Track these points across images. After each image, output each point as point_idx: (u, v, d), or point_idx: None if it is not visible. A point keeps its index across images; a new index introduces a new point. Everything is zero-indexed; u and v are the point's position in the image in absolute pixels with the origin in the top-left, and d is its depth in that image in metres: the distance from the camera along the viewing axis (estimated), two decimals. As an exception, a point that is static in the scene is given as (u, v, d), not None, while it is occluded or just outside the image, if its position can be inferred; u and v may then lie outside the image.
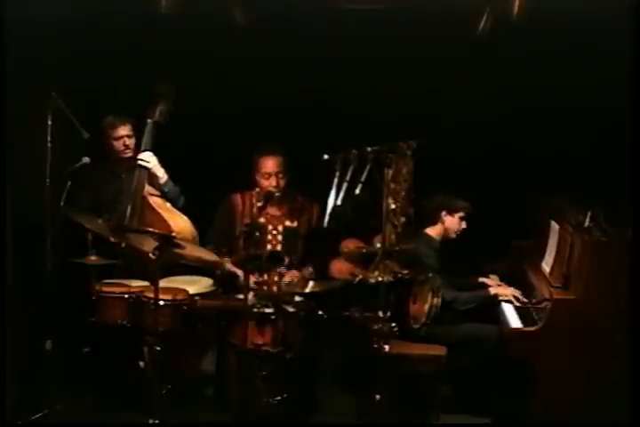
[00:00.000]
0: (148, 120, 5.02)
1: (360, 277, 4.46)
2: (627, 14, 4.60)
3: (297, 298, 4.70)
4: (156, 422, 4.40)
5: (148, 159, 5.02)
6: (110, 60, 5.50)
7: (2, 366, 4.57)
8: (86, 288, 4.74)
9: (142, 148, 5.05)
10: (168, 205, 5.05)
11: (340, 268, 4.82)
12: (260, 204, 4.93)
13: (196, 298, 4.72)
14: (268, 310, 4.51)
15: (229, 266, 4.98)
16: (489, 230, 5.56)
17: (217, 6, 5.34)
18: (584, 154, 5.52)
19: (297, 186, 5.19)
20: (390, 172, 4.30)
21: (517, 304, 4.91)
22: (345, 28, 5.48)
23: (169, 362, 4.58)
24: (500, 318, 4.86)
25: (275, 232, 5.14)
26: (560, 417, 4.47)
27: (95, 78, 5.43)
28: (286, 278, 4.96)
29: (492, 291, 5.01)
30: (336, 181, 4.26)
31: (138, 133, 5.11)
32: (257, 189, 5.09)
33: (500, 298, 4.98)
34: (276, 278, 4.95)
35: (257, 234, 4.67)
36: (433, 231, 5.15)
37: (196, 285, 4.87)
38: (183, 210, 5.10)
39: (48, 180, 4.62)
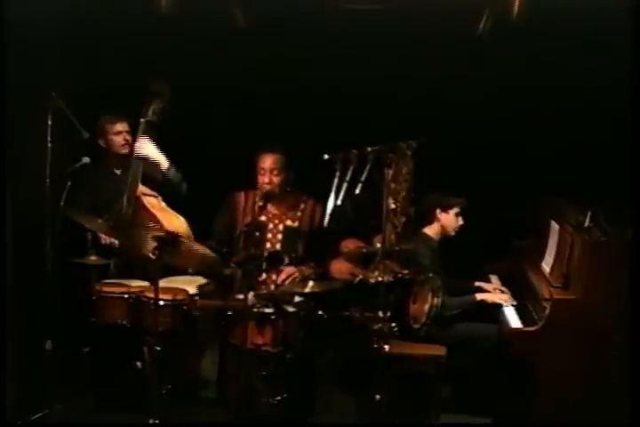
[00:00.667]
0: (141, 120, 5.00)
1: (360, 277, 4.46)
2: (627, 14, 4.59)
3: (297, 298, 4.70)
4: (156, 422, 4.40)
5: (144, 146, 5.00)
6: (110, 60, 5.50)
7: (2, 366, 4.57)
8: (86, 288, 4.74)
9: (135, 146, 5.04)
10: (163, 204, 5.03)
11: (340, 268, 4.82)
12: (260, 203, 4.94)
13: (196, 298, 4.72)
14: (267, 310, 4.50)
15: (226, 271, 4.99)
16: (489, 230, 5.57)
17: (217, 6, 5.33)
18: (584, 154, 5.52)
19: (297, 186, 5.19)
20: (390, 172, 4.31)
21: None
22: (345, 28, 5.48)
23: (169, 362, 4.58)
24: (500, 317, 4.86)
25: (275, 231, 5.15)
26: (560, 417, 4.47)
27: (95, 78, 5.43)
28: (282, 275, 4.97)
29: (479, 297, 5.00)
30: (336, 181, 4.26)
31: (132, 133, 5.11)
32: (258, 190, 5.11)
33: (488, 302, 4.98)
34: (274, 277, 4.95)
35: (257, 234, 4.67)
36: (431, 231, 5.15)
37: (196, 285, 4.87)
38: (185, 199, 5.10)
39: (48, 180, 4.61)
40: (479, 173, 5.66)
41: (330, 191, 4.27)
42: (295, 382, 4.64)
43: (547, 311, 4.50)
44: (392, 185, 4.34)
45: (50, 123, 4.63)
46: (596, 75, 5.38)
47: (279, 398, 4.52)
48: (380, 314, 4.31)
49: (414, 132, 4.49)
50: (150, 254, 4.38)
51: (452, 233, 5.16)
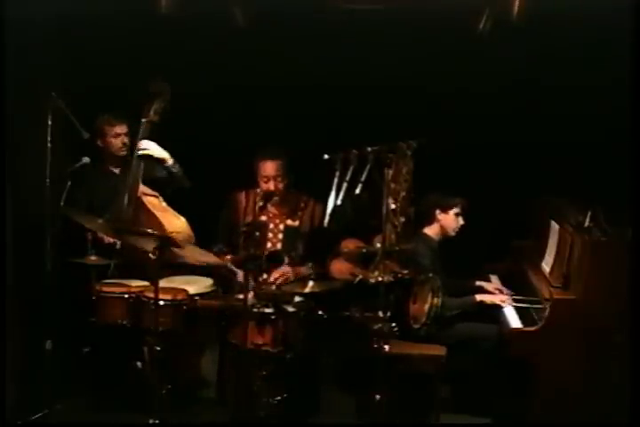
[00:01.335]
0: (143, 120, 5.00)
1: (360, 277, 4.47)
2: (627, 14, 4.59)
3: (297, 298, 4.71)
4: (156, 422, 4.40)
5: (148, 146, 5.00)
6: (110, 60, 5.50)
7: (2, 366, 4.57)
8: (86, 288, 4.73)
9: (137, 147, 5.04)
10: (164, 204, 5.04)
11: (340, 268, 4.82)
12: (261, 203, 4.95)
13: (196, 298, 4.72)
14: (267, 310, 4.51)
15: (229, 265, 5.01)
16: (489, 230, 5.57)
17: (217, 6, 5.33)
18: (584, 154, 5.52)
19: (297, 186, 5.19)
20: (390, 172, 4.31)
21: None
22: (345, 28, 5.48)
23: (169, 362, 4.58)
24: (500, 318, 4.86)
25: (276, 231, 5.15)
26: (560, 417, 4.47)
27: (95, 78, 5.43)
28: (275, 274, 4.98)
29: (478, 298, 5.00)
30: (336, 181, 4.26)
31: (132, 133, 5.11)
32: (259, 190, 5.11)
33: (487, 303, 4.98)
34: (268, 276, 4.96)
35: (257, 234, 4.67)
36: (431, 231, 5.15)
37: (196, 285, 4.87)
38: (187, 197, 5.11)
39: (48, 180, 4.61)
40: (479, 173, 5.66)
41: (330, 191, 4.27)
42: (295, 382, 4.64)
43: (547, 311, 4.50)
44: (392, 185, 4.34)
45: (50, 123, 4.63)
46: (596, 74, 5.38)
47: (279, 398, 4.52)
48: (380, 314, 4.31)
49: (414, 132, 4.49)
50: (150, 254, 4.38)
51: (453, 233, 5.16)
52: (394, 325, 4.38)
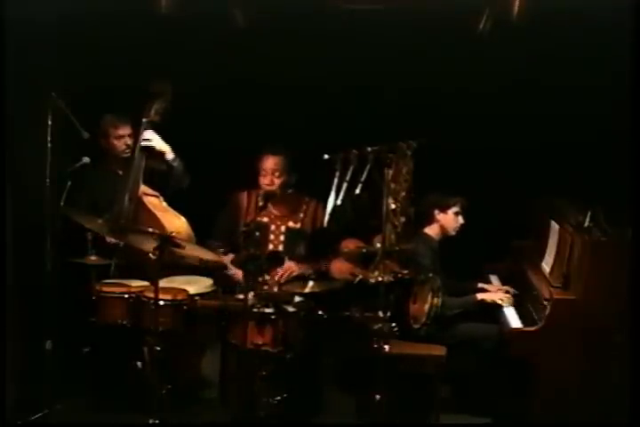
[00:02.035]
0: (144, 120, 5.00)
1: (360, 277, 4.46)
2: (627, 14, 4.59)
3: (297, 298, 4.71)
4: (156, 422, 4.40)
5: (151, 137, 5.00)
6: (110, 60, 5.50)
7: (2, 366, 4.57)
8: (86, 288, 4.74)
9: (138, 148, 5.04)
10: (164, 204, 5.04)
11: (340, 268, 4.83)
12: (261, 203, 4.95)
13: (196, 298, 4.72)
14: (267, 310, 4.51)
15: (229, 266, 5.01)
16: (489, 230, 5.56)
17: (217, 6, 5.33)
18: (584, 154, 5.52)
19: (297, 186, 5.19)
20: (390, 172, 4.31)
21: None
22: (345, 28, 5.48)
23: (169, 362, 4.58)
24: (500, 318, 4.86)
25: (277, 232, 5.16)
26: (560, 417, 4.48)
27: (95, 78, 5.42)
28: (280, 271, 5.00)
29: (479, 297, 5.00)
30: (336, 181, 4.26)
31: (135, 135, 5.11)
32: (260, 190, 5.11)
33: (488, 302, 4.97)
34: (274, 276, 4.96)
35: (257, 234, 4.67)
36: (431, 231, 5.15)
37: (196, 285, 4.87)
38: (186, 195, 5.11)
39: (48, 180, 4.61)
40: (479, 173, 5.66)
41: (330, 191, 4.27)
42: (295, 382, 4.64)
43: (547, 311, 4.50)
44: (392, 185, 4.34)
45: (50, 123, 4.63)
46: (596, 74, 5.38)
47: (279, 398, 4.52)
48: (380, 314, 4.30)
49: (414, 132, 4.49)
50: (150, 254, 4.38)
51: (453, 233, 5.16)
52: (394, 325, 4.38)
